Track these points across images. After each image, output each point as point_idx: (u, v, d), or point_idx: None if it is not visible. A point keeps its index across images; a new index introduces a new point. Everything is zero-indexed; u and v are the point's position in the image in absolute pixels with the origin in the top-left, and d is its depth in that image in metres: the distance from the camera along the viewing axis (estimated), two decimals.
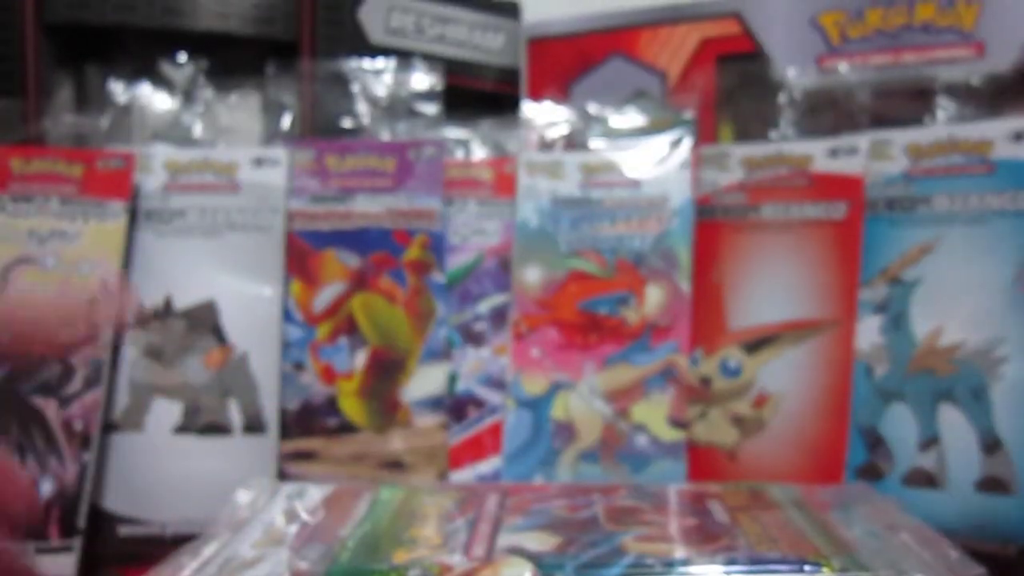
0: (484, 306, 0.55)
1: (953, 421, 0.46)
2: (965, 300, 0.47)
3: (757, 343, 0.52)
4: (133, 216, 0.54)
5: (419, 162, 0.56)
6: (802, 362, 0.50)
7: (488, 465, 0.52)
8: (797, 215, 0.52)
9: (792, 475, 0.48)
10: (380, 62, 0.62)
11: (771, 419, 0.50)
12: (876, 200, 0.50)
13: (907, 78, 0.56)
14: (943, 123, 0.53)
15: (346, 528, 0.34)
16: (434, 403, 0.53)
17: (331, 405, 0.53)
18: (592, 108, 0.60)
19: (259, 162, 0.55)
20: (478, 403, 0.54)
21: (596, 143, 0.58)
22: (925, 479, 0.46)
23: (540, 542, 0.30)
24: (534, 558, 0.29)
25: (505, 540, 0.31)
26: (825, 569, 0.28)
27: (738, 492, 0.37)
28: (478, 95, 0.66)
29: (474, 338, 0.55)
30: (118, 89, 0.61)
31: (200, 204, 0.55)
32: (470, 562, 0.29)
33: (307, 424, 0.53)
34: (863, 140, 0.51)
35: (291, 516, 0.36)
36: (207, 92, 0.62)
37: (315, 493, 0.39)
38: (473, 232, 0.56)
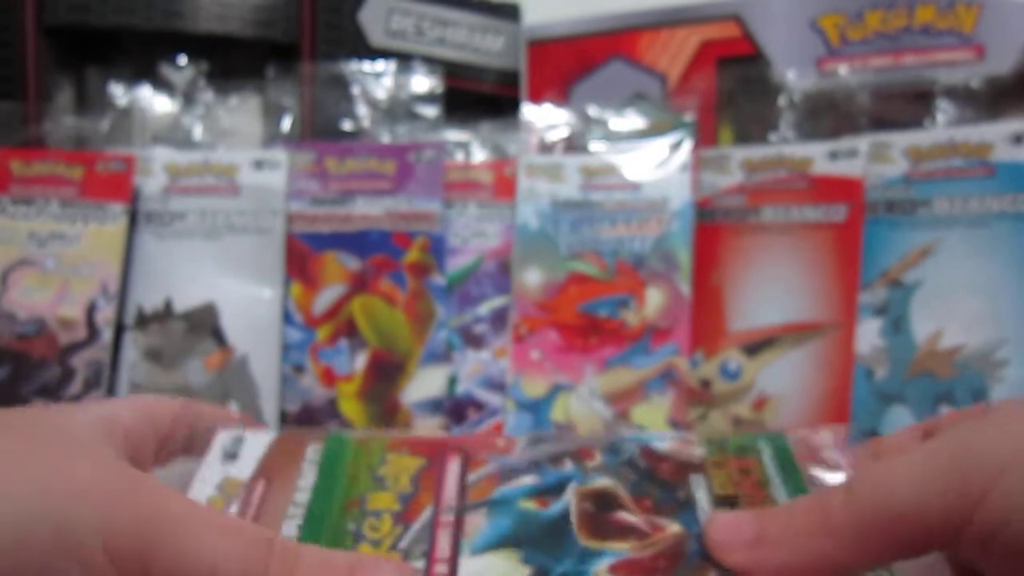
0: (484, 308, 0.55)
1: None
2: (965, 303, 0.47)
3: (757, 345, 0.52)
4: (133, 218, 0.55)
5: (419, 164, 0.56)
6: (802, 364, 0.50)
7: None
8: (797, 217, 0.52)
9: None
10: (380, 64, 0.62)
11: (771, 421, 0.50)
12: (876, 202, 0.50)
13: (907, 81, 0.56)
14: (943, 126, 0.53)
15: (290, 523, 0.30)
16: (434, 405, 0.53)
17: (331, 407, 0.53)
18: (592, 111, 0.60)
19: (259, 164, 0.55)
20: (478, 405, 0.54)
21: (596, 146, 0.58)
22: None
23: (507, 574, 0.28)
24: None
25: (466, 572, 0.28)
26: None
27: (726, 464, 0.32)
28: (478, 97, 0.66)
29: (474, 340, 0.55)
30: (118, 91, 0.61)
31: (200, 206, 0.55)
32: None
33: (307, 426, 0.53)
34: (863, 142, 0.51)
35: (226, 493, 0.31)
36: (207, 94, 0.62)
37: (253, 450, 0.33)
38: (473, 234, 0.56)
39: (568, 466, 0.32)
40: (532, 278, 0.55)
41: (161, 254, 0.54)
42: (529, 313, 0.54)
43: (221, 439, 0.33)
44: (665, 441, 0.33)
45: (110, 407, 0.30)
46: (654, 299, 0.53)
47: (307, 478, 0.32)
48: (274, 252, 0.55)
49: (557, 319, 0.54)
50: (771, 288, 0.52)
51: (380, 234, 0.55)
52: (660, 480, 0.31)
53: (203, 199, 0.55)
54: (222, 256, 0.54)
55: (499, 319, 0.55)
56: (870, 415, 0.48)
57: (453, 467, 0.32)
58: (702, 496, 0.31)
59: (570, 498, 0.30)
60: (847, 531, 0.25)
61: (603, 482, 0.31)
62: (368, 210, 0.55)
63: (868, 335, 0.49)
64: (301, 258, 0.55)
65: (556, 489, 0.31)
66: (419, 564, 0.28)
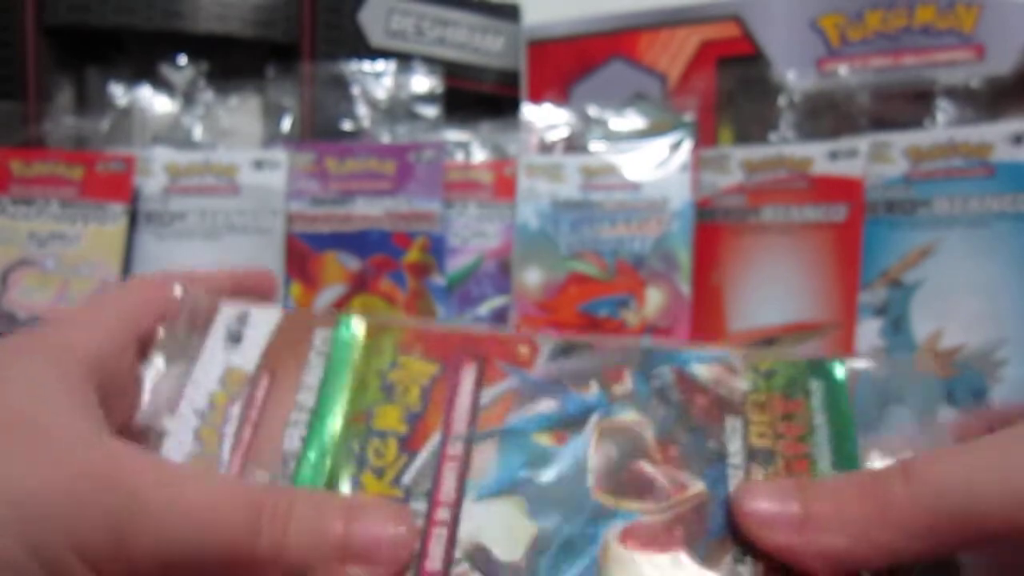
0: (484, 308, 0.55)
1: None
2: (965, 303, 0.47)
3: (757, 345, 0.52)
4: (133, 219, 0.55)
5: (419, 165, 0.56)
6: None
7: None
8: (797, 218, 0.52)
9: None
10: (380, 64, 0.62)
11: None
12: (876, 203, 0.50)
13: (907, 81, 0.56)
14: (943, 126, 0.53)
15: (293, 433, 0.28)
16: None
17: None
18: (592, 111, 0.60)
19: (259, 164, 0.55)
20: None
21: (596, 146, 0.58)
22: None
23: (510, 536, 0.26)
24: None
25: (469, 519, 0.26)
26: None
27: (770, 405, 0.29)
28: (478, 97, 0.66)
29: None
30: (118, 91, 0.61)
31: (200, 206, 0.55)
32: None
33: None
34: (863, 143, 0.51)
35: (229, 389, 0.29)
36: (207, 94, 0.62)
37: (258, 331, 0.31)
38: (473, 234, 0.56)
39: (593, 390, 0.29)
40: (532, 278, 0.55)
41: (161, 254, 0.54)
42: (529, 313, 0.54)
43: (224, 317, 0.31)
44: (706, 364, 0.30)
45: (73, 339, 0.27)
46: (654, 299, 0.53)
47: (313, 374, 0.30)
48: (274, 252, 0.55)
49: (557, 319, 0.54)
50: (771, 288, 0.52)
51: (380, 234, 0.55)
52: (692, 421, 0.28)
53: (203, 199, 0.55)
54: (222, 256, 0.54)
55: (499, 319, 0.55)
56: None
57: (467, 379, 0.29)
58: (735, 448, 0.28)
59: (590, 436, 0.28)
60: (909, 525, 0.23)
61: (628, 418, 0.28)
62: (368, 210, 0.55)
63: (868, 335, 0.49)
64: (301, 258, 0.55)
65: (576, 421, 0.28)
66: (421, 506, 0.26)
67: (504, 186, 0.56)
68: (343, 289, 0.55)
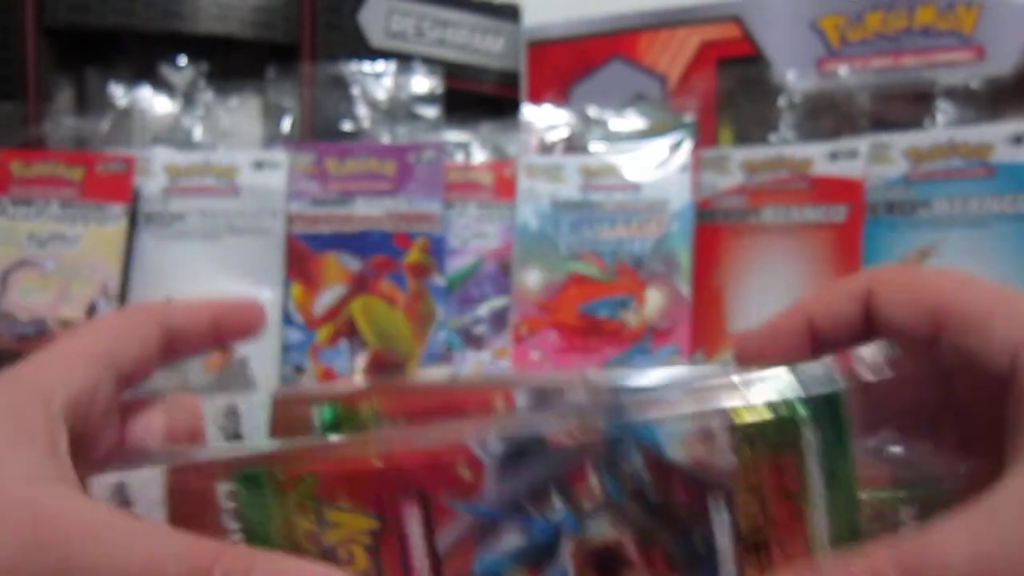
0: (484, 309, 0.55)
1: None
2: None
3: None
4: (133, 219, 0.54)
5: (419, 165, 0.56)
6: None
7: None
8: (797, 218, 0.52)
9: None
10: (380, 65, 0.62)
11: None
12: (876, 203, 0.50)
13: (907, 81, 0.56)
14: (943, 126, 0.53)
15: None
16: None
17: None
18: (592, 111, 0.60)
19: (259, 165, 0.55)
20: None
21: (596, 146, 0.58)
22: None
23: None
24: None
25: None
26: None
27: (756, 472, 0.25)
28: (478, 98, 0.66)
29: (474, 341, 0.55)
30: (118, 92, 0.61)
31: (200, 207, 0.55)
32: None
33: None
34: (863, 143, 0.51)
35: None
36: (207, 95, 0.62)
37: (148, 500, 0.27)
38: (473, 235, 0.56)
39: (557, 507, 0.25)
40: (532, 279, 0.54)
41: (161, 255, 0.54)
42: (529, 314, 0.54)
43: (101, 491, 0.26)
44: (680, 439, 0.25)
45: (43, 382, 0.27)
46: (654, 300, 0.53)
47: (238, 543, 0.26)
48: (274, 253, 0.55)
49: (557, 320, 0.54)
50: (771, 288, 0.52)
51: (380, 235, 0.55)
52: (673, 516, 0.25)
53: (203, 200, 0.55)
54: (222, 257, 0.54)
55: (499, 320, 0.55)
56: None
57: (414, 528, 0.26)
58: (723, 540, 0.25)
59: (567, 566, 0.25)
60: None
61: (604, 535, 0.25)
62: (368, 211, 0.55)
63: None
64: (301, 259, 0.55)
65: (547, 549, 0.25)
66: None
67: (504, 187, 0.56)
68: (343, 290, 0.55)
